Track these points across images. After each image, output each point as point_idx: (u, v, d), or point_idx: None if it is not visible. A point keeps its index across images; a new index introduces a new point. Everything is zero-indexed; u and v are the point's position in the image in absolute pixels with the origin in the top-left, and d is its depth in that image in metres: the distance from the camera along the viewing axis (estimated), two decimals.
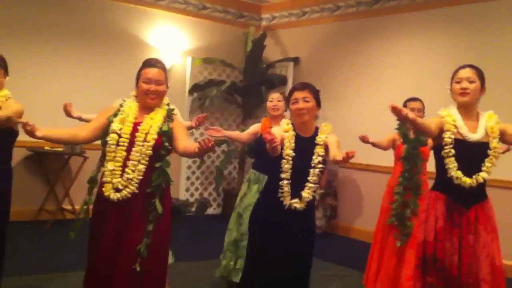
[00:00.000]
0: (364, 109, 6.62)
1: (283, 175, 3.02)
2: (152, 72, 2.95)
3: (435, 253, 3.00)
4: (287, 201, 3.01)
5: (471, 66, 3.08)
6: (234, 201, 7.46)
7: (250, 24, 7.87)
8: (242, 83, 7.62)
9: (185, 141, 2.90)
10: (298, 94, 3.05)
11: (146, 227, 2.83)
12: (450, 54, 5.81)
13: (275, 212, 3.04)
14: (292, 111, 3.10)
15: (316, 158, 3.03)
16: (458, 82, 3.05)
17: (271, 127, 4.35)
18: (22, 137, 6.32)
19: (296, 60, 7.52)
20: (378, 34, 6.62)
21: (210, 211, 7.70)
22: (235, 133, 4.48)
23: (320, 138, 3.06)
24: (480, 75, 3.06)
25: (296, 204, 3.01)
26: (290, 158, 3.01)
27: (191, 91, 7.38)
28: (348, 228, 6.78)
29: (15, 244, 5.21)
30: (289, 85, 7.41)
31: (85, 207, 2.99)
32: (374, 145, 4.17)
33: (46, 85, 6.30)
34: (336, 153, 2.87)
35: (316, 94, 3.10)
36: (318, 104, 3.11)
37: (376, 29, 6.63)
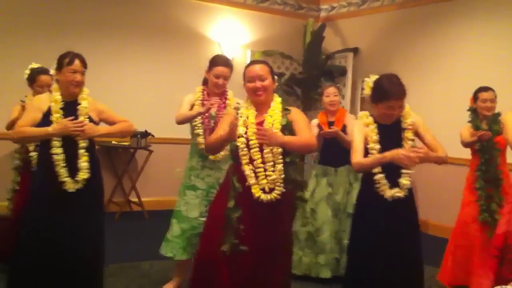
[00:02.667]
0: (428, 99, 6.45)
1: (374, 170, 3.01)
2: (253, 69, 2.96)
3: None
4: (387, 193, 3.00)
5: None
6: None
7: (309, 16, 7.84)
8: (302, 75, 7.61)
9: (305, 134, 2.91)
10: (394, 103, 3.01)
11: (289, 222, 2.98)
12: None
13: (378, 207, 3.04)
14: (386, 114, 3.06)
15: (406, 143, 3.02)
16: None
17: (329, 122, 4.35)
18: None
19: (355, 51, 7.43)
20: (442, 20, 6.43)
21: None
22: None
23: (406, 123, 3.06)
24: None
25: (397, 193, 3.00)
26: (376, 152, 3.00)
27: None
28: (424, 222, 6.63)
29: None
30: (349, 75, 7.35)
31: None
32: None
33: (109, 81, 6.50)
34: (438, 147, 3.00)
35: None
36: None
37: (440, 15, 6.44)
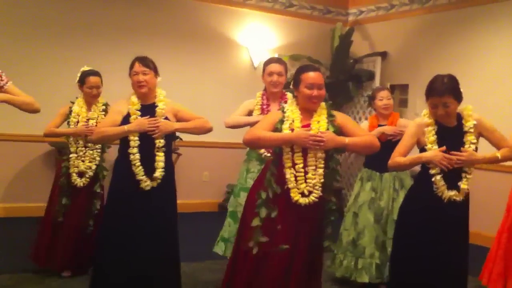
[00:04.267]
0: None
1: (432, 171, 2.99)
2: (313, 76, 2.97)
3: None
4: (445, 194, 2.98)
5: None
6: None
7: (337, 20, 7.84)
8: (329, 79, 7.60)
9: (364, 134, 2.99)
10: (436, 100, 2.99)
11: (321, 227, 2.99)
12: None
13: (430, 211, 3.02)
14: (435, 114, 3.04)
15: (469, 147, 2.98)
16: None
17: (379, 125, 4.32)
18: None
19: (384, 55, 7.41)
20: (470, 25, 6.38)
21: None
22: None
23: (467, 126, 3.02)
24: None
25: (455, 196, 2.99)
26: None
27: None
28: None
29: None
30: (377, 80, 7.33)
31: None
32: None
33: None
34: (505, 152, 3.02)
35: (456, 94, 3.04)
36: (459, 100, 3.06)
37: (469, 19, 6.39)
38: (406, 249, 3.11)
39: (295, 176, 2.91)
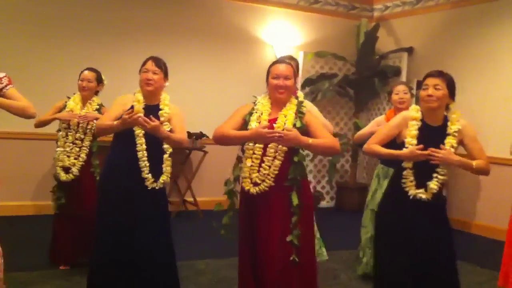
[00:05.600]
0: (484, 99, 6.32)
1: (405, 164, 2.99)
2: (279, 67, 3.06)
3: None
4: (412, 191, 2.97)
5: None
6: (347, 194, 7.58)
7: (362, 16, 7.80)
8: (354, 75, 7.58)
9: (326, 137, 3.01)
10: (430, 81, 2.98)
11: (290, 219, 2.98)
12: None
13: (403, 205, 3.01)
14: (420, 97, 3.03)
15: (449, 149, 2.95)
16: None
17: None
18: None
19: (410, 50, 7.34)
20: (497, 19, 6.27)
21: (323, 204, 7.78)
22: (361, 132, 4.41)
23: (451, 129, 2.99)
24: None
25: (422, 194, 2.96)
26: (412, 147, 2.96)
27: (303, 85, 7.46)
28: (464, 222, 6.53)
29: None
30: (403, 76, 7.26)
31: (230, 213, 3.23)
32: None
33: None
34: (480, 163, 2.96)
35: (450, 83, 3.00)
36: (451, 94, 3.01)
37: (497, 14, 6.29)
38: (384, 250, 3.10)
39: (251, 166, 2.99)
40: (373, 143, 3.10)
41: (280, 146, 2.96)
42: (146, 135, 3.26)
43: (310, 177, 7.78)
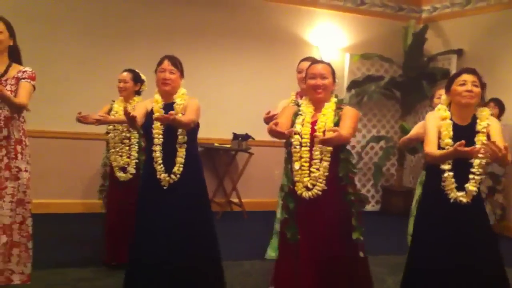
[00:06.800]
0: None
1: (444, 166, 2.95)
2: (316, 67, 3.09)
3: None
4: (453, 194, 2.93)
5: None
6: (393, 198, 7.48)
7: (410, 17, 7.69)
8: (401, 77, 7.48)
9: (343, 127, 2.97)
10: (468, 77, 2.96)
11: (340, 220, 2.99)
12: None
13: (441, 207, 2.98)
14: (456, 92, 2.99)
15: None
16: None
17: None
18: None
19: (459, 52, 7.18)
20: None
21: (369, 208, 7.70)
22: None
23: (480, 126, 2.95)
24: None
25: (462, 198, 2.92)
26: (449, 148, 2.91)
27: (349, 88, 7.42)
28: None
29: None
30: None
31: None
32: None
33: (211, 85, 6.78)
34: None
35: (483, 82, 3.00)
36: (483, 93, 3.01)
37: None
38: (421, 242, 3.07)
39: (300, 169, 2.99)
40: (431, 148, 3.00)
41: (324, 148, 2.96)
42: (165, 135, 3.37)
43: (355, 180, 7.69)
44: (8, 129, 3.43)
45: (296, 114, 3.10)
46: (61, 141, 6.21)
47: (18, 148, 3.48)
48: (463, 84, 2.96)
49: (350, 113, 3.05)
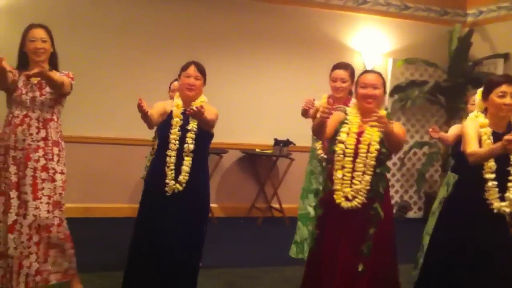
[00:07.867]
0: None
1: (488, 176, 2.90)
2: (368, 77, 3.07)
3: None
4: (496, 204, 2.89)
5: None
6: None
7: (454, 21, 7.55)
8: (446, 82, 7.35)
9: (399, 132, 2.99)
10: (508, 88, 2.90)
11: (368, 230, 2.97)
12: None
13: (479, 217, 2.94)
14: (494, 103, 2.93)
15: None
16: None
17: None
18: (238, 139, 6.90)
19: (506, 57, 7.00)
20: None
21: (411, 214, 7.60)
22: (445, 135, 4.32)
23: None
24: None
25: (506, 208, 2.88)
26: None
27: (392, 93, 7.34)
28: None
29: (231, 238, 5.77)
30: None
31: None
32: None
33: (253, 91, 6.80)
34: None
35: None
36: None
37: None
38: (440, 249, 3.05)
39: (342, 179, 2.98)
40: (473, 147, 2.91)
41: (368, 160, 2.95)
42: (180, 141, 3.34)
43: (397, 186, 7.64)
44: (46, 131, 3.49)
45: (342, 123, 3.08)
46: (110, 146, 6.29)
47: (55, 150, 3.52)
48: (503, 96, 2.91)
49: (399, 127, 3.04)
